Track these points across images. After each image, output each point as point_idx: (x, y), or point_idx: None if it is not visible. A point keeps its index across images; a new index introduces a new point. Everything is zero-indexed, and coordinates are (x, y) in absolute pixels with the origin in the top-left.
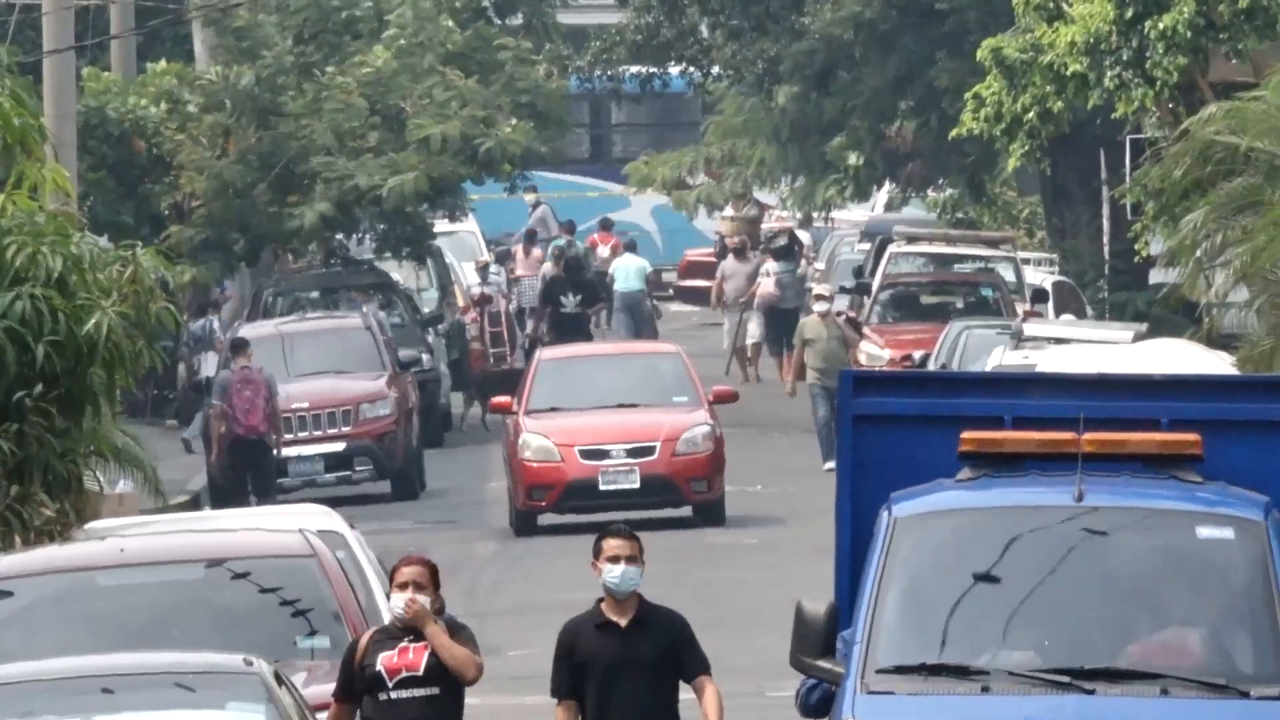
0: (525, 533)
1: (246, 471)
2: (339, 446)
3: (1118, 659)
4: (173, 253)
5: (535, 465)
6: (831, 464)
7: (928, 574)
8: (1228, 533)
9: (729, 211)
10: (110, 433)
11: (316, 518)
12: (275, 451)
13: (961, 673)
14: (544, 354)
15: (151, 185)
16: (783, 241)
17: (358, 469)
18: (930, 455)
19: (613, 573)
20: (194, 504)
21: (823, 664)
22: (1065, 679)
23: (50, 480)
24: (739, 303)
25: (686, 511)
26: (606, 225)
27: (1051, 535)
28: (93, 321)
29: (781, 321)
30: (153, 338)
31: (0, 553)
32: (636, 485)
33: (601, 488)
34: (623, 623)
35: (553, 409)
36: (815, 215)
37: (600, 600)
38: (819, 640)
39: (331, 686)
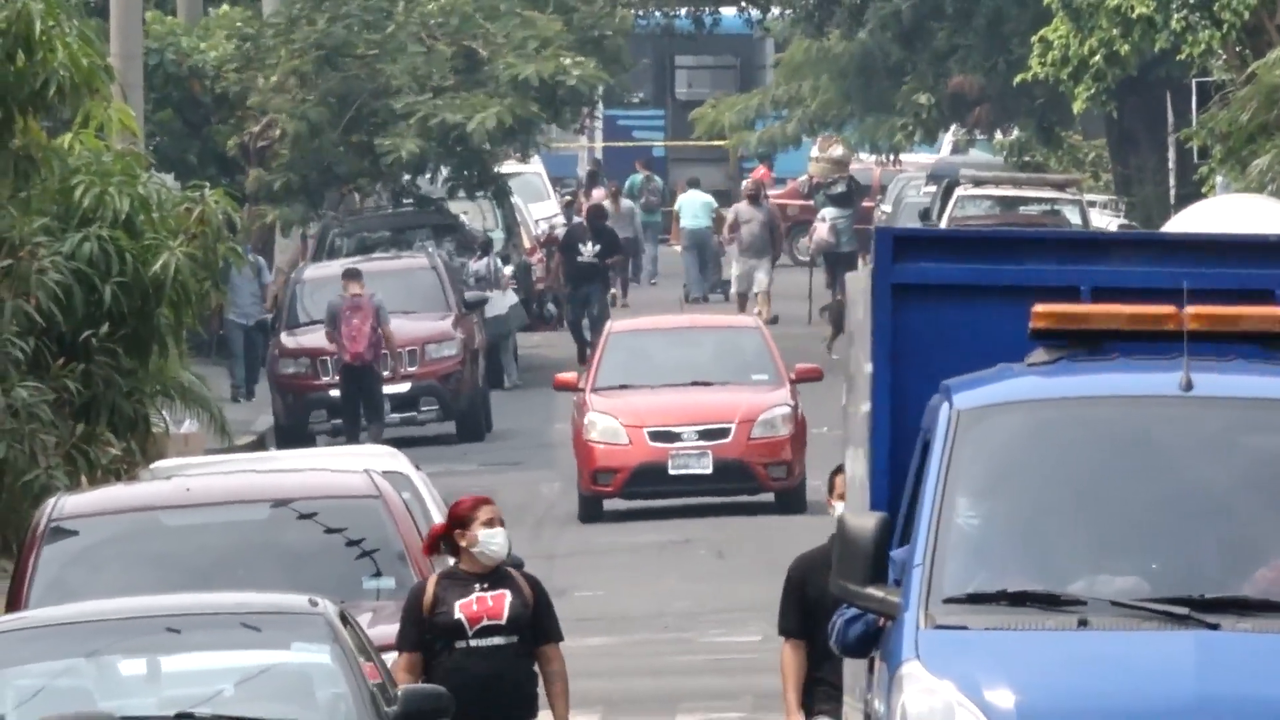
0: (590, 519)
1: (358, 397)
2: (405, 387)
3: (1243, 586)
4: (248, 196)
5: (601, 447)
6: None
7: (1001, 480)
8: None
9: (815, 152)
10: (176, 373)
11: (382, 458)
12: (386, 376)
13: (1052, 602)
14: (614, 327)
15: (217, 125)
16: (841, 188)
17: (423, 409)
18: (990, 334)
19: (840, 511)
20: (260, 444)
21: (873, 591)
22: (1182, 610)
23: (116, 420)
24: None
25: (768, 498)
26: (765, 158)
27: (1155, 432)
28: (160, 262)
29: (838, 265)
30: (219, 279)
31: (67, 492)
32: (709, 470)
33: (671, 472)
34: None
35: (622, 386)
36: (880, 157)
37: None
38: (868, 562)
39: (397, 627)
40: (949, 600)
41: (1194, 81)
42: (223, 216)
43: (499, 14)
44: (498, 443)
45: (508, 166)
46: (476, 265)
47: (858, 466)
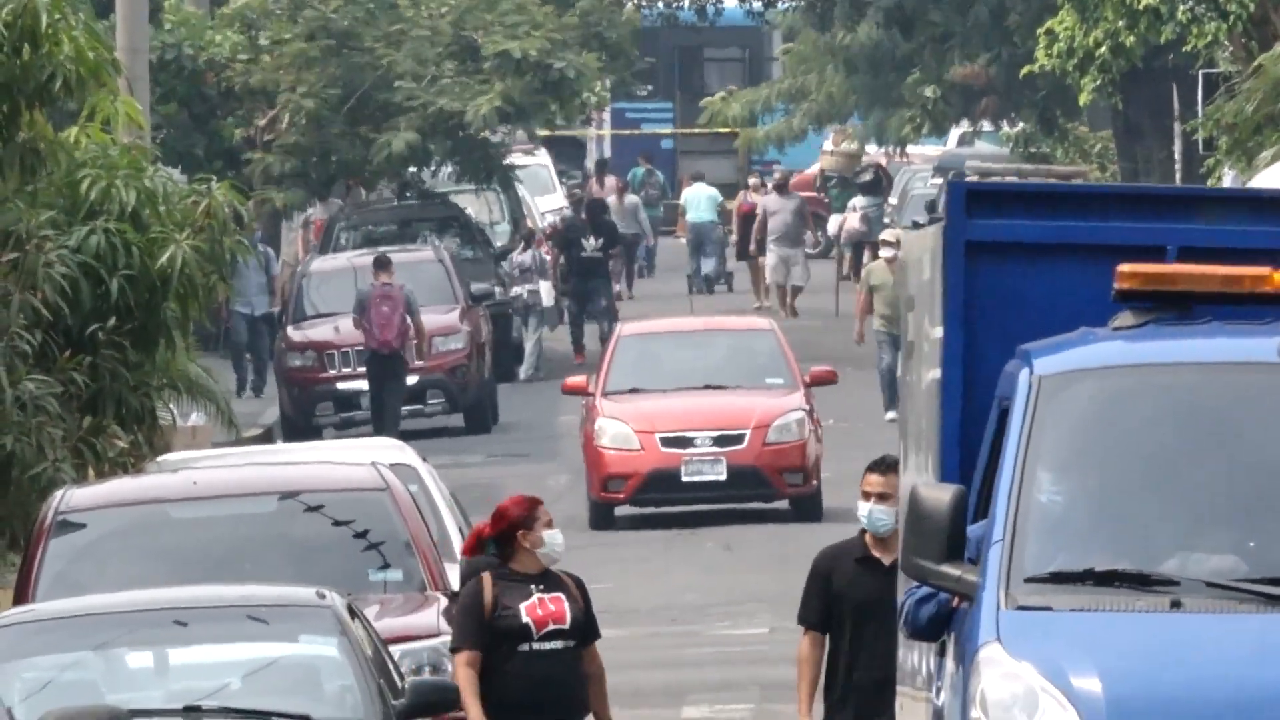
0: (600, 526)
1: (383, 385)
2: (411, 380)
3: None
4: (247, 184)
5: (612, 453)
6: (893, 414)
7: (1085, 451)
8: None
9: (828, 145)
10: (183, 365)
11: (389, 451)
12: (411, 365)
13: (1142, 582)
14: (625, 330)
15: (223, 118)
16: (869, 177)
17: (430, 402)
18: (1069, 296)
19: (861, 509)
20: (267, 437)
21: (948, 569)
22: None
23: (123, 413)
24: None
25: (784, 505)
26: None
27: (1250, 400)
28: (166, 255)
29: (863, 254)
30: (226, 272)
31: (74, 485)
32: (723, 476)
33: (684, 479)
34: (886, 560)
35: (633, 390)
36: (887, 150)
37: (863, 531)
38: (943, 537)
39: (405, 619)
40: (1031, 579)
41: (1200, 73)
42: (229, 210)
43: (498, 4)
44: (504, 435)
45: (513, 158)
46: (521, 256)
47: (917, 473)
